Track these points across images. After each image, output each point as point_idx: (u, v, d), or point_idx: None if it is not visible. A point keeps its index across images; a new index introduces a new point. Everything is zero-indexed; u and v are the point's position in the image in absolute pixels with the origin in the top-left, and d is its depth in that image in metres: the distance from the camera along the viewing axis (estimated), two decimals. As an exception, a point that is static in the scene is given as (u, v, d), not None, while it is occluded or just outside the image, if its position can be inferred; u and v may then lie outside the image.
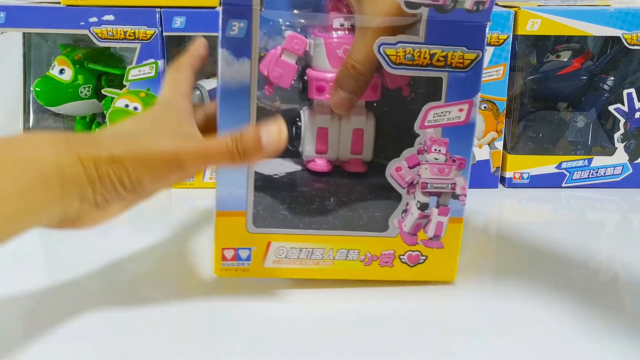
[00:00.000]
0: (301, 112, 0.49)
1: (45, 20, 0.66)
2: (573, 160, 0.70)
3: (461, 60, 0.42)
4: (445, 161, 0.44)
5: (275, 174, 0.50)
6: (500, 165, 0.71)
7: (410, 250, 0.46)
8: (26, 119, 0.78)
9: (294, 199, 0.48)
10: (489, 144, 0.70)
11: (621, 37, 0.67)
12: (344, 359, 0.38)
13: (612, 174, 0.71)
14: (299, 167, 0.51)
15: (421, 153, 0.44)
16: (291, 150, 0.50)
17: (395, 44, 0.42)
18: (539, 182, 0.71)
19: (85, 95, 0.72)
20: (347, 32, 0.46)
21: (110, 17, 0.65)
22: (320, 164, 0.49)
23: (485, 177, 0.71)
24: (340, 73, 0.44)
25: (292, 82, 0.47)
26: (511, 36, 0.66)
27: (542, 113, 0.74)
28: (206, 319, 0.42)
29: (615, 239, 0.60)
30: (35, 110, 0.79)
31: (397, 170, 0.45)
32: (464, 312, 0.44)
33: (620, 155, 0.70)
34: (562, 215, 0.65)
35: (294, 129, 0.49)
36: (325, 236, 0.46)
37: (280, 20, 0.49)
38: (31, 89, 0.76)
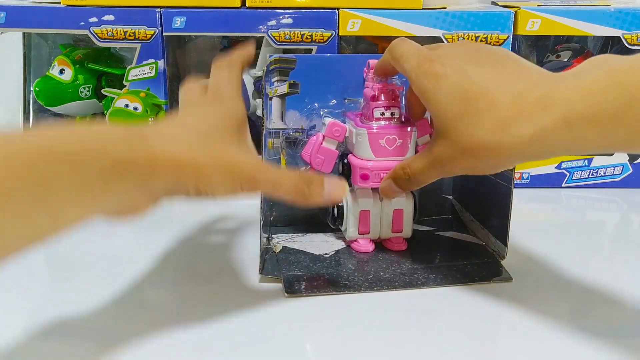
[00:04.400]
0: None
1: (45, 20, 0.66)
2: (573, 160, 0.70)
3: None
4: None
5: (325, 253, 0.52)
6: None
7: None
8: (26, 119, 0.78)
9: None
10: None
11: (621, 37, 0.67)
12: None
13: (612, 174, 0.71)
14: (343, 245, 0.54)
15: None
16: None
17: None
18: (539, 182, 0.71)
19: (85, 95, 0.72)
20: (387, 121, 0.49)
21: (110, 17, 0.66)
22: (363, 245, 0.52)
23: (485, 177, 0.71)
24: (397, 173, 0.46)
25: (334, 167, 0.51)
26: (511, 36, 0.66)
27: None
28: (206, 319, 0.42)
29: (615, 239, 0.60)
30: (35, 110, 0.79)
31: None
32: (463, 312, 0.44)
33: (620, 155, 0.70)
34: (562, 215, 0.65)
35: (335, 209, 0.52)
36: None
37: (316, 104, 0.53)
38: (31, 89, 0.76)
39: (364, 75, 0.51)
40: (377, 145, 0.48)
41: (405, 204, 0.51)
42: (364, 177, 0.49)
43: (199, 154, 0.36)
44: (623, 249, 0.56)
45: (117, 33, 0.66)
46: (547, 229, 0.60)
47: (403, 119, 0.50)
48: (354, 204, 0.51)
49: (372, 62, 0.50)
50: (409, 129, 0.49)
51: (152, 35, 0.66)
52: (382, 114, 0.49)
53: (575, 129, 0.35)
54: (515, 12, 0.67)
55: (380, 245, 0.53)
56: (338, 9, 0.66)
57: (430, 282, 0.47)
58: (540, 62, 0.74)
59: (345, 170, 0.51)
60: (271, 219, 0.56)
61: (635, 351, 0.39)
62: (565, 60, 0.72)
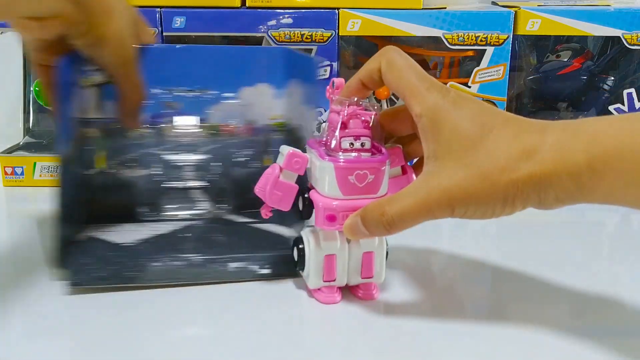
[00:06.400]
0: (303, 235, 0.45)
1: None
2: (573, 160, 0.70)
3: None
4: None
5: None
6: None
7: None
8: (26, 119, 0.78)
9: None
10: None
11: (621, 37, 0.67)
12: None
13: (612, 174, 0.70)
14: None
15: None
16: None
17: None
18: (539, 182, 0.71)
19: (85, 95, 0.72)
20: (356, 153, 0.42)
21: (110, 17, 0.65)
22: (328, 295, 0.44)
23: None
24: (371, 214, 0.40)
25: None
26: (511, 36, 0.67)
27: (542, 113, 0.74)
28: (207, 318, 0.42)
29: (615, 239, 0.60)
30: (35, 110, 0.79)
31: None
32: (464, 312, 0.44)
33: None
34: (562, 216, 0.65)
35: (296, 252, 0.45)
36: None
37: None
38: (31, 89, 0.76)
39: (327, 95, 0.44)
40: (346, 182, 0.41)
41: (377, 246, 0.44)
42: (331, 219, 0.42)
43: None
44: (623, 249, 0.56)
45: (117, 33, 0.66)
46: (547, 229, 0.60)
47: (374, 150, 0.42)
48: (317, 248, 0.43)
49: (337, 81, 0.44)
50: (383, 164, 0.42)
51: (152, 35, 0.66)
52: (351, 144, 0.41)
53: (597, 161, 0.34)
54: (515, 12, 0.67)
55: (346, 290, 0.45)
56: (338, 9, 0.66)
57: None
58: (540, 62, 0.74)
59: (306, 206, 0.43)
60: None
61: (634, 351, 0.39)
62: (565, 60, 0.72)
